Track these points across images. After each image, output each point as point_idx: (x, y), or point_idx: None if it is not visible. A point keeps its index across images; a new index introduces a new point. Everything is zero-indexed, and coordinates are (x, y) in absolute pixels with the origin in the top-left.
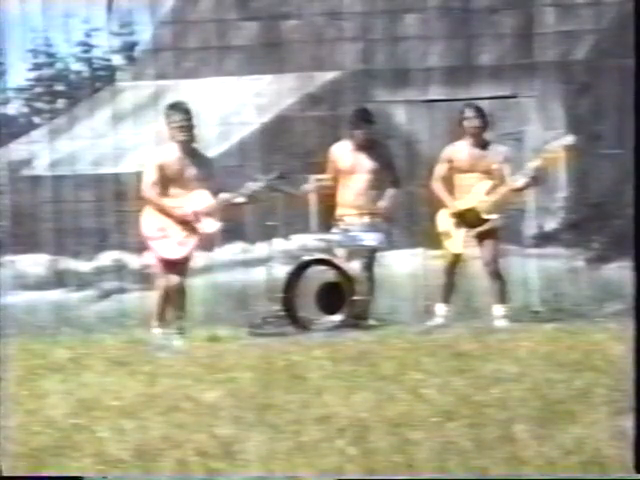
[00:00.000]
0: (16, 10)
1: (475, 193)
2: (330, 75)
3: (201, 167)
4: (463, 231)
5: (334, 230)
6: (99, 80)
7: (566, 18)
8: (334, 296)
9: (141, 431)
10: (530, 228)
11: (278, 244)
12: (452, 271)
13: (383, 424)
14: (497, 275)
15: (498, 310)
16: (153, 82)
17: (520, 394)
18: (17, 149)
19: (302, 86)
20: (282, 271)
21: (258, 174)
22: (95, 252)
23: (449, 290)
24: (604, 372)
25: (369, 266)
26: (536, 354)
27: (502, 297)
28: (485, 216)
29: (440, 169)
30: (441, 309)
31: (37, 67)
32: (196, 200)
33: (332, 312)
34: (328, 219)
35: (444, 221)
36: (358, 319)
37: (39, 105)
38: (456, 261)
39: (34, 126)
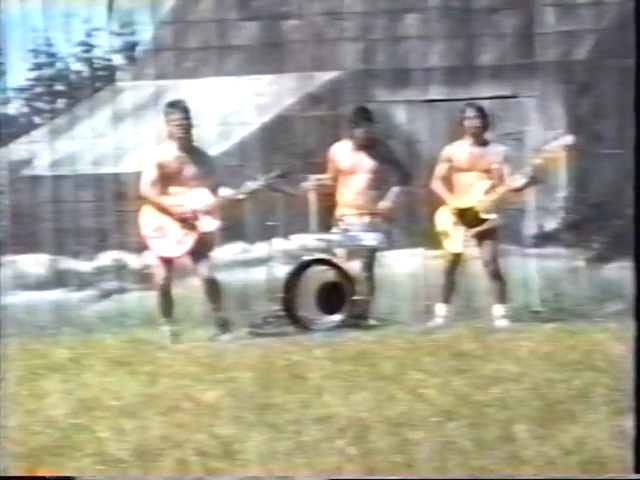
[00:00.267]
0: (16, 10)
1: (474, 192)
2: (330, 75)
3: (200, 165)
4: (462, 231)
5: (334, 230)
6: (99, 80)
7: (566, 18)
8: (334, 296)
9: (141, 431)
10: (530, 228)
11: (278, 244)
12: (452, 271)
13: (383, 424)
14: (497, 275)
15: (498, 310)
16: (153, 82)
17: (520, 394)
18: (17, 149)
19: (302, 86)
20: (282, 271)
21: (258, 174)
22: (95, 252)
23: (449, 290)
24: (604, 372)
25: (369, 266)
26: (536, 354)
27: (502, 297)
28: (484, 216)
29: (440, 169)
30: (441, 309)
31: (37, 67)
32: (195, 198)
33: (332, 312)
34: (328, 219)
35: (443, 220)
36: (358, 319)
37: (39, 105)
38: (455, 261)
39: (34, 126)
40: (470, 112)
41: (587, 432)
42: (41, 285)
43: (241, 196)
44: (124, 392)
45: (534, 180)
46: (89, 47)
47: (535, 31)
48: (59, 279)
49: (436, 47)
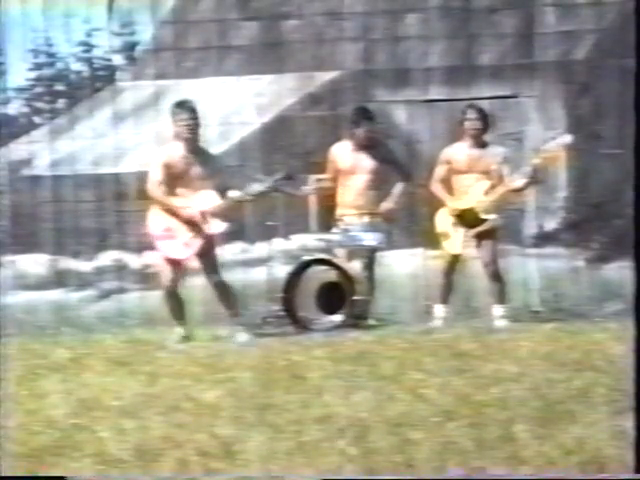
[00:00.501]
0: (16, 10)
1: (473, 193)
2: (330, 75)
3: (207, 165)
4: (462, 231)
5: (334, 230)
6: (99, 80)
7: (566, 18)
8: (334, 296)
9: (141, 431)
10: (530, 228)
11: (278, 244)
12: (450, 272)
13: (383, 424)
14: (497, 275)
15: (498, 310)
16: (153, 82)
17: (520, 394)
18: (17, 149)
19: (302, 86)
20: (282, 271)
21: (258, 174)
22: (95, 252)
23: (447, 291)
24: (604, 372)
25: (369, 266)
26: (536, 354)
27: (502, 297)
28: (483, 216)
29: (439, 171)
30: (440, 310)
31: (37, 67)
32: (203, 200)
33: (332, 312)
34: (328, 219)
35: (443, 221)
36: (358, 319)
37: (39, 105)
38: (455, 261)
39: (34, 126)
40: (471, 114)
41: (587, 432)
42: (41, 285)
43: (248, 198)
44: (124, 392)
45: (534, 180)
46: (89, 47)
47: (535, 31)
48: (59, 279)
49: (436, 47)
